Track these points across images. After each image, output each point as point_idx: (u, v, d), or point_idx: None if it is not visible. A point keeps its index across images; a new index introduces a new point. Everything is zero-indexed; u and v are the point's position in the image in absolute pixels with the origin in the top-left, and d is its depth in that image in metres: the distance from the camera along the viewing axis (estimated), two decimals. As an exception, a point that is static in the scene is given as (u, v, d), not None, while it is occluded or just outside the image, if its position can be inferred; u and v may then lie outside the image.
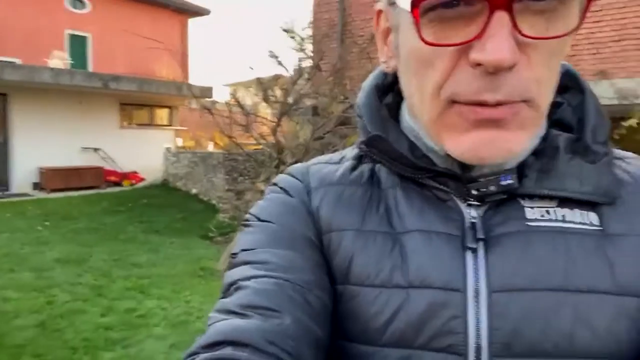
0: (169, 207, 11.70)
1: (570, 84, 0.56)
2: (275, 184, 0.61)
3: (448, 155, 0.50)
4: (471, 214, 0.51)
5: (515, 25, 0.41)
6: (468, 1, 0.42)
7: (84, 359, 3.39)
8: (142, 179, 14.56)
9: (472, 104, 0.45)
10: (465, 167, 0.52)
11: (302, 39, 6.27)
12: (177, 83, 15.71)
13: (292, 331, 0.45)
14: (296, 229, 0.54)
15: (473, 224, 0.50)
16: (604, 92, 6.10)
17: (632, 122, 5.08)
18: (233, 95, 6.53)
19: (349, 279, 0.52)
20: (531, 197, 0.51)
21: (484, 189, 0.50)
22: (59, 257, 6.46)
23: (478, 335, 0.46)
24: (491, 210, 0.51)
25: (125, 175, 14.23)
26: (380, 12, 0.55)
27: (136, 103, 16.01)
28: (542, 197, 0.51)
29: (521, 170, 0.51)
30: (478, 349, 0.46)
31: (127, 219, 10.09)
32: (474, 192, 0.51)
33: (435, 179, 0.52)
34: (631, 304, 0.47)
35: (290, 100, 6.23)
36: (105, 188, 13.42)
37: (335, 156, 0.63)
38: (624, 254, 0.48)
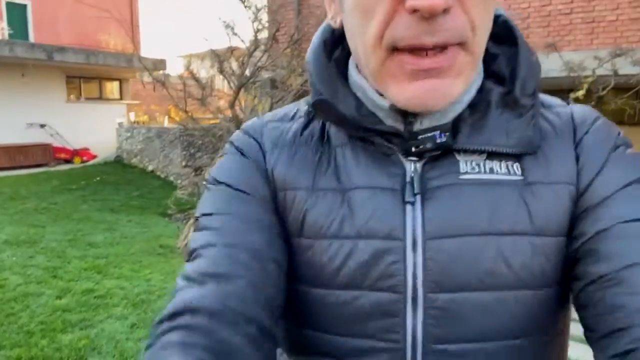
0: (125, 185, 11.37)
1: (505, 34, 0.59)
2: (232, 143, 0.64)
3: (392, 110, 0.55)
4: (411, 168, 0.56)
5: None
6: None
7: (42, 342, 3.30)
8: (94, 156, 14.04)
9: (412, 50, 0.48)
10: (407, 123, 0.56)
11: (258, 9, 6.10)
12: (127, 55, 15.04)
13: (245, 294, 0.51)
14: (251, 189, 0.59)
15: (412, 178, 0.55)
16: (553, 64, 6.31)
17: (580, 94, 5.30)
18: (187, 67, 6.32)
19: (303, 232, 0.58)
20: (465, 151, 0.56)
21: (421, 146, 0.55)
22: (8, 239, 6.19)
23: (415, 276, 0.53)
24: (428, 164, 0.56)
25: (76, 152, 13.67)
26: None
27: (84, 76, 15.27)
28: (474, 152, 0.56)
29: (457, 125, 0.56)
30: (415, 288, 0.53)
31: (80, 197, 9.75)
32: (413, 149, 0.55)
33: (381, 136, 0.56)
34: (547, 243, 0.54)
35: (247, 72, 6.11)
36: (54, 166, 12.87)
37: (290, 111, 0.65)
38: (540, 200, 0.54)
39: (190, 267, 0.54)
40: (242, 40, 6.23)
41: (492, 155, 0.56)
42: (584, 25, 6.58)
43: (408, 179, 0.55)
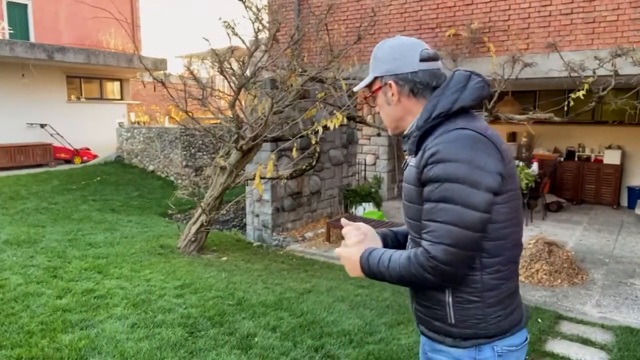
0: (125, 185, 11.37)
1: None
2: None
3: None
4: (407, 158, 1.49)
5: (368, 104, 1.55)
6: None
7: (42, 342, 3.30)
8: (94, 156, 14.04)
9: None
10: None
11: (258, 9, 6.09)
12: (128, 54, 15.04)
13: None
14: None
15: (406, 162, 1.48)
16: (554, 64, 6.31)
17: (580, 94, 5.30)
18: (188, 67, 6.31)
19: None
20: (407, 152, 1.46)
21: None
22: (8, 239, 6.19)
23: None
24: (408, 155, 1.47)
25: (77, 152, 13.67)
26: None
27: (84, 76, 15.27)
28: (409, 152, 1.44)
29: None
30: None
31: (81, 197, 9.75)
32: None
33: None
34: (414, 187, 1.34)
35: (247, 72, 6.10)
36: (54, 166, 12.87)
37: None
38: (413, 171, 1.35)
39: None
40: (243, 40, 6.22)
41: (410, 155, 1.42)
42: (585, 25, 6.57)
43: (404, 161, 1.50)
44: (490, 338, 1.33)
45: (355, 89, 1.54)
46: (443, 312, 1.35)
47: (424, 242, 1.26)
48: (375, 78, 1.45)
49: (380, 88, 1.45)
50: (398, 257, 1.31)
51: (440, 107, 1.32)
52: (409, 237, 1.45)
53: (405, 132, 1.44)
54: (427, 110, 1.35)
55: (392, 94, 1.43)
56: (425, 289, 1.37)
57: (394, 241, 1.54)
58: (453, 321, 1.34)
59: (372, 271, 1.35)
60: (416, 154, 1.36)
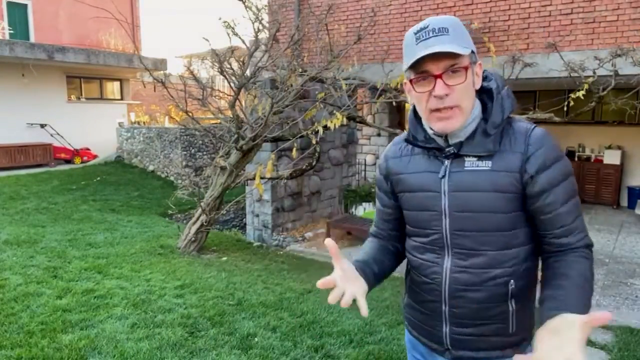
0: (125, 185, 11.37)
1: (490, 90, 1.30)
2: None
3: (435, 135, 1.31)
4: (445, 163, 1.29)
5: (443, 81, 1.19)
6: (426, 77, 1.21)
7: (42, 342, 3.30)
8: (94, 156, 14.04)
9: (435, 111, 1.23)
10: (445, 141, 1.29)
11: (258, 9, 6.09)
12: (128, 54, 15.04)
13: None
14: (382, 186, 1.48)
15: (446, 168, 1.29)
16: (554, 64, 6.30)
17: (580, 94, 5.29)
18: (188, 67, 6.31)
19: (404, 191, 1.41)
20: (467, 155, 1.26)
21: (447, 153, 1.29)
22: (8, 239, 6.19)
23: (444, 205, 1.29)
24: (451, 161, 1.29)
25: (77, 152, 13.67)
26: (405, 83, 1.30)
27: (84, 76, 15.27)
28: (469, 155, 1.26)
29: (463, 143, 1.27)
30: (444, 209, 1.29)
31: (81, 197, 9.75)
32: (444, 154, 1.30)
33: (434, 149, 1.32)
34: (498, 196, 1.23)
35: (247, 73, 6.10)
36: (55, 166, 12.87)
37: (402, 136, 1.43)
38: (498, 176, 1.23)
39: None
40: (243, 40, 6.22)
41: (477, 157, 1.25)
42: (585, 25, 6.57)
43: (443, 168, 1.29)
44: (532, 334, 1.32)
45: (450, 49, 1.16)
46: (505, 323, 1.29)
47: (583, 241, 1.23)
48: (472, 52, 1.21)
49: (469, 65, 1.21)
50: (582, 280, 1.16)
51: (507, 107, 1.26)
52: (452, 251, 1.29)
53: (469, 129, 1.25)
54: (500, 108, 1.25)
55: (477, 76, 1.25)
56: (492, 305, 1.27)
57: (372, 270, 1.34)
58: (514, 329, 1.29)
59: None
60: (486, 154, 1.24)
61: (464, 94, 1.20)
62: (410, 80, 1.24)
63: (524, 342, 1.34)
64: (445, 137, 1.27)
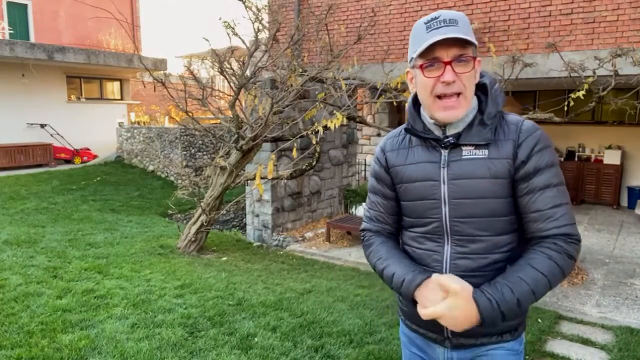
0: (125, 185, 11.37)
1: (485, 86, 1.38)
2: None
3: (435, 124, 1.37)
4: (444, 153, 1.36)
5: (452, 68, 1.27)
6: (434, 64, 1.28)
7: (42, 342, 3.30)
8: (94, 156, 14.04)
9: (442, 97, 1.31)
10: (443, 131, 1.36)
11: (258, 9, 6.09)
12: (128, 54, 15.04)
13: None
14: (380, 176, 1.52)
15: (445, 158, 1.36)
16: (554, 64, 6.30)
17: (580, 94, 5.29)
18: (188, 67, 6.31)
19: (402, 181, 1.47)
20: (464, 144, 1.34)
21: (446, 143, 1.35)
22: (8, 239, 6.19)
23: (444, 193, 1.35)
24: (449, 150, 1.36)
25: (77, 152, 13.67)
26: (408, 72, 1.39)
27: (84, 76, 15.26)
28: (467, 144, 1.34)
29: (462, 133, 1.34)
30: (444, 197, 1.35)
31: (81, 197, 9.75)
32: (443, 144, 1.36)
33: (432, 140, 1.38)
34: (494, 182, 1.31)
35: (247, 73, 6.10)
36: (55, 166, 12.87)
37: (397, 131, 1.50)
38: (494, 163, 1.31)
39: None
40: (243, 40, 6.22)
41: (475, 146, 1.34)
42: (585, 25, 6.56)
43: (443, 158, 1.36)
44: (525, 320, 1.45)
45: (463, 36, 1.24)
46: None
47: (559, 229, 1.27)
48: (476, 46, 1.30)
49: (475, 57, 1.30)
50: (532, 270, 1.24)
51: (500, 101, 1.37)
52: (452, 238, 1.36)
53: (467, 120, 1.33)
54: (494, 101, 1.35)
55: (476, 71, 1.33)
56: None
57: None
58: None
59: (501, 310, 1.22)
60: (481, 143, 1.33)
61: (469, 82, 1.29)
62: (420, 66, 1.29)
63: (520, 327, 1.42)
64: (443, 128, 1.35)
